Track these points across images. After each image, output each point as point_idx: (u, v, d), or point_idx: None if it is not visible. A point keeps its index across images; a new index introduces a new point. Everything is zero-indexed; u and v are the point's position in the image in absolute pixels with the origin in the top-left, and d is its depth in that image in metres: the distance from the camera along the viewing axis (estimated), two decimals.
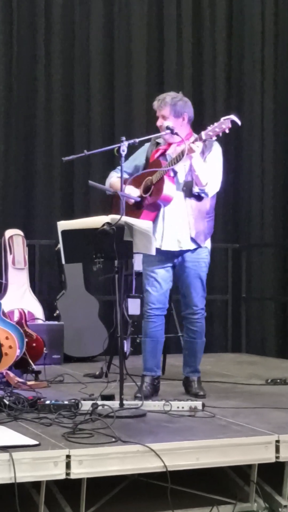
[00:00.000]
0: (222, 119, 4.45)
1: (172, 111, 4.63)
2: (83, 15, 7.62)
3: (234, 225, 8.14)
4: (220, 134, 4.44)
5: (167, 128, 4.54)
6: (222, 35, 8.14)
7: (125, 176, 4.69)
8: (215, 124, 4.44)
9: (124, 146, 4.25)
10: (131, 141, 4.37)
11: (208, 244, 4.74)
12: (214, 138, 4.50)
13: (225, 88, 8.15)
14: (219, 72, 8.10)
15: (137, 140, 4.49)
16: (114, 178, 4.79)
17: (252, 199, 8.08)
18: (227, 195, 8.02)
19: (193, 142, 4.45)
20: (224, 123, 4.42)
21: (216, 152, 4.67)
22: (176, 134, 4.54)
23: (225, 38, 8.16)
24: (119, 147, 4.27)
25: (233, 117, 4.44)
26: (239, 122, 4.48)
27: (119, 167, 4.76)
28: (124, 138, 4.29)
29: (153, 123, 7.30)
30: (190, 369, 4.78)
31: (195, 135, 4.55)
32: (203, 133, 4.45)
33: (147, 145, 4.83)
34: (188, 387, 4.75)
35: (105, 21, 7.71)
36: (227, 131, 4.44)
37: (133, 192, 4.65)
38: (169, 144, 4.71)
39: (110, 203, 4.83)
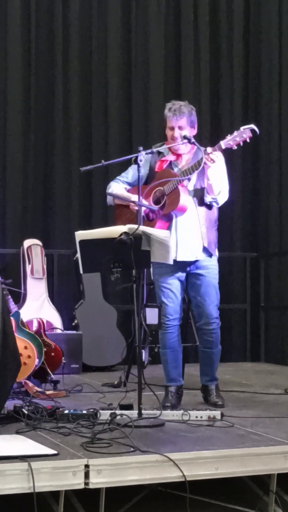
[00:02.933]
0: (241, 128, 4.42)
1: (189, 121, 4.60)
2: (100, 27, 7.66)
3: (252, 234, 8.12)
4: (241, 143, 4.42)
5: (185, 137, 4.51)
6: (239, 46, 8.16)
7: (126, 186, 4.68)
8: (235, 133, 4.42)
9: (141, 156, 4.27)
10: (148, 150, 4.38)
11: (217, 252, 4.72)
12: (235, 147, 4.47)
13: (242, 97, 8.15)
14: (236, 82, 8.11)
15: (154, 149, 4.51)
16: (118, 189, 4.67)
17: (269, 208, 8.06)
18: (245, 204, 8.02)
19: (211, 152, 4.42)
20: (245, 133, 4.40)
21: (222, 161, 4.61)
22: (194, 143, 4.53)
23: (242, 48, 8.18)
24: (137, 157, 4.28)
25: (252, 126, 4.42)
26: (257, 131, 4.46)
27: (118, 177, 4.76)
28: (141, 148, 4.30)
29: None
30: (207, 378, 4.77)
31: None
32: (222, 143, 4.43)
33: (147, 156, 4.68)
34: (207, 396, 4.75)
35: (123, 32, 7.77)
36: (247, 140, 4.42)
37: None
38: (177, 155, 4.65)
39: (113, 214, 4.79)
